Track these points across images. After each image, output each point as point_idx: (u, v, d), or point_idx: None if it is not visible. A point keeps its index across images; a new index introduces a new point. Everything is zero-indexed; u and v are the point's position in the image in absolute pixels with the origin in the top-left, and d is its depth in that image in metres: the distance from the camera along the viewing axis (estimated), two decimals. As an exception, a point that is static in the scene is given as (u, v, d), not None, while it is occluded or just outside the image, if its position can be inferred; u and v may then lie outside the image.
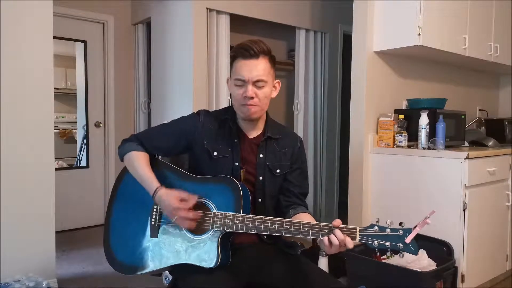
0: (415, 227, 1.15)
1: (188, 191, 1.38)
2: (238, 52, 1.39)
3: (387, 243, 1.16)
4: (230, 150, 1.46)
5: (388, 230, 1.17)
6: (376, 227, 1.18)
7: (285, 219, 1.27)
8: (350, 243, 1.18)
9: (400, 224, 1.18)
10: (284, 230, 1.26)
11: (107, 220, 1.48)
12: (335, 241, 1.18)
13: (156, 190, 1.36)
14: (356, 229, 1.19)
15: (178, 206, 1.31)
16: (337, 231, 1.18)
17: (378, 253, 1.19)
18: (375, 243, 1.17)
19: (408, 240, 1.15)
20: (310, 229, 1.23)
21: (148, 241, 1.39)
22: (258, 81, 1.38)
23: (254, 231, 1.28)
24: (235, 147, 1.46)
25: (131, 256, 1.40)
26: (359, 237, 1.18)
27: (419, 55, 3.01)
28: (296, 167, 1.53)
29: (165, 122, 1.56)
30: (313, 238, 1.29)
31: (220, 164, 1.44)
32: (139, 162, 1.43)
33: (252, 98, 1.38)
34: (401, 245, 1.15)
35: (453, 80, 3.49)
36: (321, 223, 1.23)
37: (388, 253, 1.17)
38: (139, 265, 1.38)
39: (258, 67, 1.37)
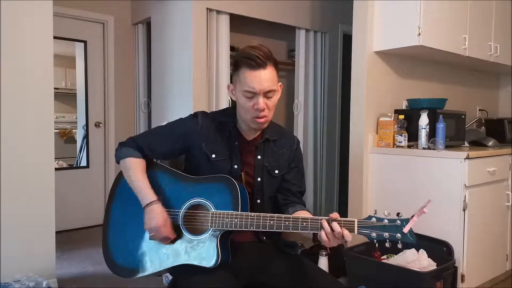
0: (412, 216, 1.16)
1: (186, 191, 1.39)
2: (243, 62, 1.35)
3: (386, 234, 1.17)
4: (229, 152, 1.45)
5: (386, 221, 1.18)
6: (374, 219, 1.19)
7: (283, 215, 1.27)
8: (348, 236, 1.18)
9: (398, 214, 1.19)
10: (283, 225, 1.26)
11: (106, 223, 1.48)
12: (329, 230, 1.19)
13: (151, 203, 1.36)
14: (354, 221, 1.19)
15: (162, 226, 1.32)
16: (334, 224, 1.19)
17: (376, 245, 1.20)
18: (374, 234, 1.18)
19: (406, 230, 1.16)
20: (309, 223, 1.24)
21: (147, 243, 1.39)
22: (268, 92, 1.36)
23: (253, 228, 1.28)
24: (234, 149, 1.46)
25: (131, 259, 1.40)
26: (358, 229, 1.19)
27: (419, 55, 3.02)
28: (293, 166, 1.53)
29: (162, 124, 1.55)
30: (313, 234, 1.29)
31: (219, 167, 1.43)
32: (135, 171, 1.42)
33: (264, 109, 1.37)
34: (399, 235, 1.16)
35: (453, 80, 3.49)
36: (319, 217, 1.23)
37: (387, 244, 1.17)
38: (139, 268, 1.38)
39: (267, 77, 1.34)
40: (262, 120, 1.39)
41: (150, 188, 1.39)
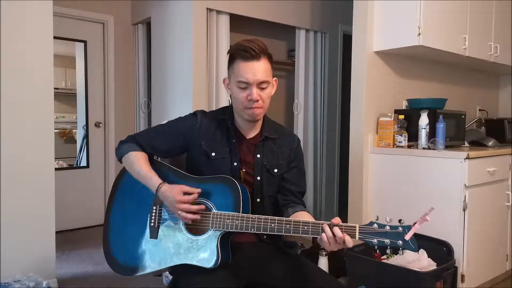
0: (414, 224, 1.15)
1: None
2: (238, 54, 1.37)
3: (387, 241, 1.16)
4: (228, 150, 1.46)
5: (388, 227, 1.17)
6: (375, 225, 1.18)
7: (284, 218, 1.27)
8: (349, 242, 1.18)
9: (399, 221, 1.18)
10: (284, 229, 1.26)
11: (106, 222, 1.48)
12: (330, 234, 1.18)
13: (159, 186, 1.36)
14: (355, 227, 1.19)
15: (181, 199, 1.31)
16: (336, 229, 1.19)
17: (377, 251, 1.19)
18: (375, 240, 1.17)
19: (407, 237, 1.15)
20: (310, 227, 1.23)
21: (148, 242, 1.39)
22: (262, 82, 1.37)
23: (254, 230, 1.28)
24: (233, 147, 1.46)
25: (131, 258, 1.40)
26: (359, 235, 1.18)
27: (419, 55, 3.01)
28: (293, 165, 1.53)
29: (162, 123, 1.56)
30: (313, 237, 1.29)
31: (218, 165, 1.44)
32: (139, 161, 1.44)
33: (257, 100, 1.38)
34: (400, 242, 1.16)
35: (453, 80, 3.49)
36: (321, 221, 1.23)
37: (388, 251, 1.17)
38: (139, 266, 1.38)
39: (261, 69, 1.37)
40: (256, 111, 1.39)
41: (155, 174, 1.40)
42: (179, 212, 1.32)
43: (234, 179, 1.37)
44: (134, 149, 1.47)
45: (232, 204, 1.33)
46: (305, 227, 1.24)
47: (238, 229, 1.29)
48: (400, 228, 1.16)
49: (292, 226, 1.25)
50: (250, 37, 1.44)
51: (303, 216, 1.41)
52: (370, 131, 2.85)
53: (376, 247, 1.18)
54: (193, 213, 1.32)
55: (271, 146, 1.50)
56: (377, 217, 1.21)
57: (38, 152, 2.46)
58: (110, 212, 1.49)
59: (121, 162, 1.51)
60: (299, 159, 1.56)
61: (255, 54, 1.35)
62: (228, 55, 1.43)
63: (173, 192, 1.32)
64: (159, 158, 1.54)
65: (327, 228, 1.20)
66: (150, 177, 1.39)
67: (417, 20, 2.59)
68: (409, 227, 1.16)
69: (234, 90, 1.41)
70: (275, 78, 1.46)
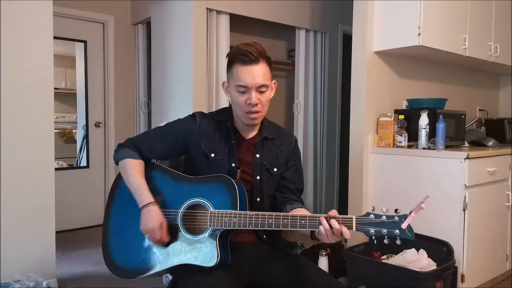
0: (410, 212, 1.16)
1: (185, 191, 1.39)
2: (237, 58, 1.38)
3: (384, 230, 1.17)
4: (227, 151, 1.46)
5: (384, 217, 1.18)
6: (372, 215, 1.19)
7: (281, 213, 1.28)
8: (346, 233, 1.18)
9: (396, 211, 1.19)
10: (282, 224, 1.26)
11: (105, 224, 1.48)
12: (328, 227, 1.19)
13: (147, 204, 1.35)
14: (352, 218, 1.19)
15: (157, 228, 1.32)
16: (333, 221, 1.19)
17: (375, 242, 1.19)
18: (372, 231, 1.18)
19: (404, 226, 1.16)
20: (307, 221, 1.24)
21: (147, 244, 1.39)
22: (261, 86, 1.38)
23: (252, 227, 1.29)
24: (232, 148, 1.46)
25: (131, 260, 1.40)
26: (356, 226, 1.19)
27: (419, 55, 3.01)
28: (291, 164, 1.54)
29: (161, 125, 1.55)
30: (311, 231, 1.29)
31: (217, 166, 1.44)
32: (133, 172, 1.42)
33: (257, 104, 1.38)
34: (397, 231, 1.16)
35: (453, 80, 3.48)
36: (318, 215, 1.23)
37: (386, 241, 1.17)
38: (139, 269, 1.38)
39: (260, 73, 1.37)
40: (255, 115, 1.40)
41: (148, 189, 1.39)
42: (151, 237, 1.33)
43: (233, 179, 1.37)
44: (131, 155, 1.46)
45: (230, 202, 1.33)
46: (303, 221, 1.24)
47: (236, 226, 1.30)
48: (397, 218, 1.17)
49: (289, 220, 1.26)
50: (250, 39, 1.44)
51: (301, 212, 1.41)
52: (370, 131, 2.85)
53: (373, 237, 1.18)
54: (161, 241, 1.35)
55: (270, 146, 1.51)
56: (373, 207, 1.21)
57: (38, 152, 2.46)
58: (109, 214, 1.48)
59: (117, 165, 1.50)
60: (296, 158, 1.57)
61: (254, 58, 1.36)
62: (227, 59, 1.43)
63: (154, 218, 1.33)
64: (158, 161, 1.54)
65: (324, 221, 1.20)
66: (140, 192, 1.38)
67: (417, 20, 2.59)
68: (405, 216, 1.17)
69: (233, 94, 1.42)
70: (274, 81, 1.47)
